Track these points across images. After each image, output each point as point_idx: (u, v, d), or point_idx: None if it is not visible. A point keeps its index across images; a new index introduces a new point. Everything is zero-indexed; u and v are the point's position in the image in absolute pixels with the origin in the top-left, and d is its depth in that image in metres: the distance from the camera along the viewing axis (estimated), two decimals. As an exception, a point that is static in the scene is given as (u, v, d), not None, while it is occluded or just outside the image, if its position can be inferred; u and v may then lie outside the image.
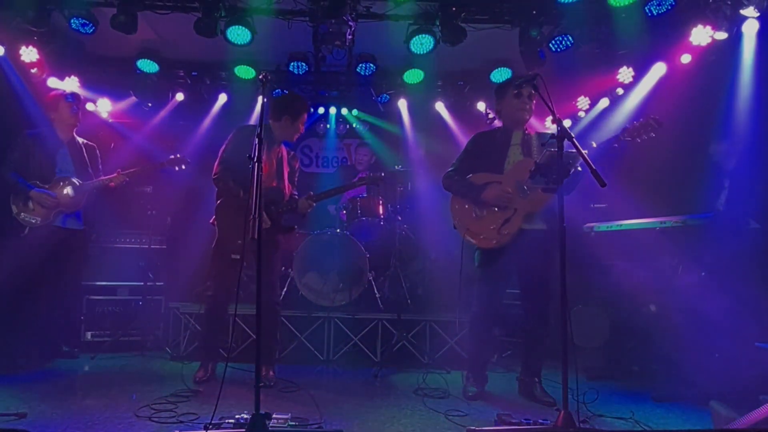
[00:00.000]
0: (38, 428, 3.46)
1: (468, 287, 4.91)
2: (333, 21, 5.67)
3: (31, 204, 5.28)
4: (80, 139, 5.76)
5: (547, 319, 4.66)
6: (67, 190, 5.42)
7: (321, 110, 8.40)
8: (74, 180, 5.49)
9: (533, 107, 4.73)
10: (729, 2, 5.20)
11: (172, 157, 5.65)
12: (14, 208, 5.27)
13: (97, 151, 5.91)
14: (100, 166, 5.87)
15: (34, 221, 5.27)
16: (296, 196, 5.22)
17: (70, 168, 5.54)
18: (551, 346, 5.39)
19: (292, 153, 5.37)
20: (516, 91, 4.58)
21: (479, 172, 4.71)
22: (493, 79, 7.17)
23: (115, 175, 5.59)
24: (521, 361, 4.84)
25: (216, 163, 4.96)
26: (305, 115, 5.15)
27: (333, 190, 5.37)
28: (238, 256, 4.79)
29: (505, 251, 4.51)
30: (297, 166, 5.42)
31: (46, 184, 5.34)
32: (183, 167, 5.66)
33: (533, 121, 7.56)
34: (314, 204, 5.10)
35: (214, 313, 5.00)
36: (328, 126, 8.90)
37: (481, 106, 7.72)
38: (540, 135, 4.78)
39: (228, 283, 4.96)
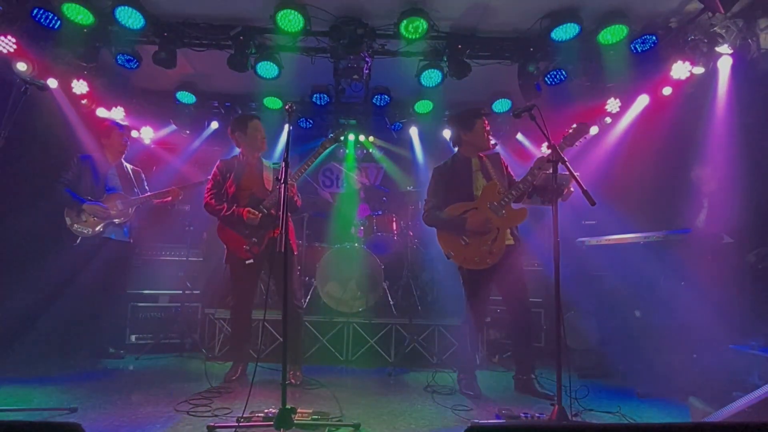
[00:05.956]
0: (88, 421, 3.54)
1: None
2: (352, 57, 5.78)
3: (83, 216, 5.45)
4: (128, 165, 5.96)
5: (530, 319, 4.69)
6: (116, 203, 5.61)
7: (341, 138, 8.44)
8: (122, 194, 5.68)
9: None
10: (705, 40, 5.29)
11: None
12: (68, 220, 5.44)
13: (143, 175, 6.13)
14: (147, 187, 6.06)
15: (86, 231, 5.44)
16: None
17: (118, 186, 5.74)
18: (547, 348, 5.45)
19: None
20: (488, 129, 4.82)
21: (452, 202, 4.70)
22: (495, 110, 7.31)
23: (163, 190, 5.83)
24: (516, 361, 4.88)
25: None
26: (248, 126, 5.04)
27: (307, 161, 4.97)
28: (252, 260, 4.88)
29: (485, 269, 4.56)
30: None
31: (97, 200, 5.52)
32: None
33: (530, 144, 7.74)
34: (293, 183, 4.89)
35: (237, 317, 5.07)
36: (347, 151, 9.01)
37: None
38: (490, 156, 4.89)
39: (246, 290, 5.02)
